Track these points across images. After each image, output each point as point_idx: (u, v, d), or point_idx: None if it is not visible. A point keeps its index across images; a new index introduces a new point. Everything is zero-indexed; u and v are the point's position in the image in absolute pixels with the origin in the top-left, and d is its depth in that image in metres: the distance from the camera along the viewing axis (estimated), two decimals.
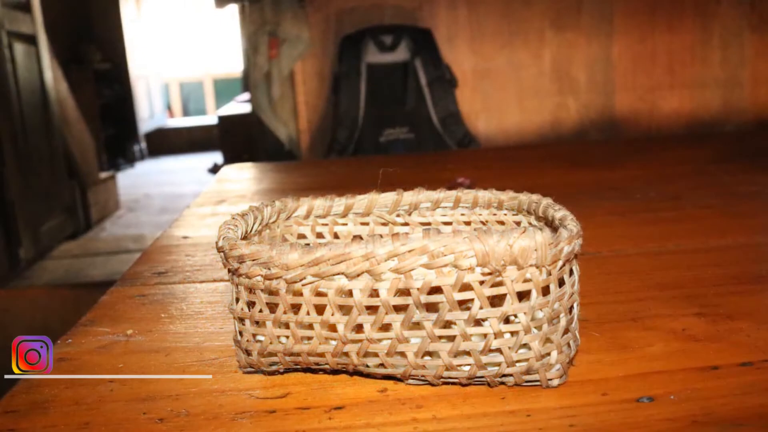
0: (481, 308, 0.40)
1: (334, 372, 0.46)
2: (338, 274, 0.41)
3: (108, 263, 2.92)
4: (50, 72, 3.39)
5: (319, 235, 0.58)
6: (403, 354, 0.42)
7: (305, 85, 2.61)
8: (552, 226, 0.48)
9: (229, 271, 0.46)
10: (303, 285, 0.42)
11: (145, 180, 5.37)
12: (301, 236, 0.58)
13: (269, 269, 0.42)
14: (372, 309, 0.41)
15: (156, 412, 0.43)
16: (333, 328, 0.43)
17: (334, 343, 0.43)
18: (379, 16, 2.58)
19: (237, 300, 0.46)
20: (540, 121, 2.71)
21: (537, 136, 2.70)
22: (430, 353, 0.43)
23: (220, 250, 0.45)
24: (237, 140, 4.67)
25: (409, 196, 0.58)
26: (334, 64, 2.53)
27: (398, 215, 0.58)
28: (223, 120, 4.94)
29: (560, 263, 0.41)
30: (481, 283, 0.40)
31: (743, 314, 0.53)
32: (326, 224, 0.58)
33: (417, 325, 0.41)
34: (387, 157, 1.94)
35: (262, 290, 0.44)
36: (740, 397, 0.41)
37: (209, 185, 1.29)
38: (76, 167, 3.58)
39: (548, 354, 0.42)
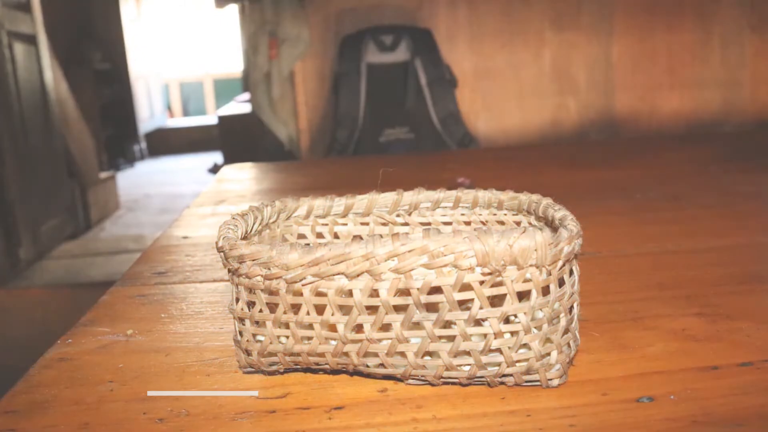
0: (481, 308, 0.40)
1: (334, 372, 0.46)
2: (338, 274, 0.41)
3: (108, 263, 2.92)
4: (50, 72, 3.39)
5: (319, 235, 0.58)
6: (403, 354, 0.42)
7: (305, 85, 2.61)
8: (552, 226, 0.48)
9: (229, 271, 0.46)
10: (303, 285, 0.42)
11: (145, 180, 5.38)
12: (301, 236, 0.58)
13: (269, 269, 0.42)
14: (372, 309, 0.41)
15: (156, 412, 0.43)
16: (333, 328, 0.43)
17: (334, 343, 0.43)
18: (379, 16, 2.58)
19: (237, 300, 0.46)
20: (540, 121, 2.71)
21: (537, 136, 2.70)
22: (430, 353, 0.43)
23: (220, 250, 0.45)
24: (237, 140, 4.67)
25: (409, 196, 0.58)
26: (334, 64, 2.53)
27: (398, 215, 0.58)
28: (223, 120, 4.94)
29: (560, 263, 0.41)
30: (481, 283, 0.40)
31: (743, 314, 0.53)
32: (326, 224, 0.58)
33: (417, 325, 0.41)
34: (387, 157, 1.94)
35: (262, 290, 0.44)
36: (740, 397, 0.41)
37: (209, 185, 1.29)
38: (76, 167, 3.58)
39: (548, 354, 0.42)
